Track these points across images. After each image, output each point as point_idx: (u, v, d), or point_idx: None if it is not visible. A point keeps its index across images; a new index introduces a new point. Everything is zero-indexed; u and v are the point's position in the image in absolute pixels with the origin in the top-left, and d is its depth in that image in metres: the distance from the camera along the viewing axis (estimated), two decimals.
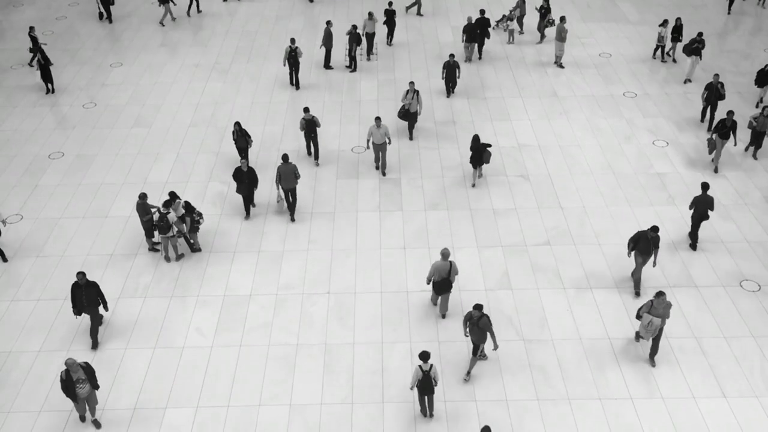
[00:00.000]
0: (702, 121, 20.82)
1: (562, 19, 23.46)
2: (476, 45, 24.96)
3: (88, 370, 12.02)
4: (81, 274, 13.43)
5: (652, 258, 14.79)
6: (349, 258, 16.38)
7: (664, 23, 23.75)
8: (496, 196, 18.25)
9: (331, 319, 14.80)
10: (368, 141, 18.47)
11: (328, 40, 23.81)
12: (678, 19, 23.80)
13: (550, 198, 18.18)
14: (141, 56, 25.56)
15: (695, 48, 22.45)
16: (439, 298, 14.73)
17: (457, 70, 21.93)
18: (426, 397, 12.61)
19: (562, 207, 17.87)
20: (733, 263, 16.04)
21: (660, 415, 12.76)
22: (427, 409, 12.64)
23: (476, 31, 24.10)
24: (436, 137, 20.68)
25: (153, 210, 16.30)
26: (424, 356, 12.06)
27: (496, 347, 12.92)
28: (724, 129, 18.36)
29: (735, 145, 18.52)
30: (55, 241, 17.03)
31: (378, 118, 18.02)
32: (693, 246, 16.39)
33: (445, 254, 14.08)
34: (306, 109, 18.88)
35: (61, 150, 20.42)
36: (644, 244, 14.57)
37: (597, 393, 13.19)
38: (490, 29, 25.17)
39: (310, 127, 19.10)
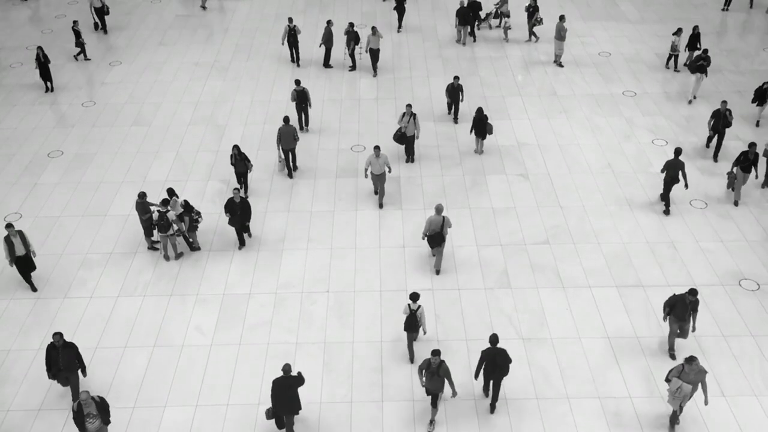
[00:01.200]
0: (708, 146, 19.74)
1: (562, 17, 23.45)
2: (468, 27, 25.94)
3: (102, 406, 11.48)
4: (58, 335, 12.30)
5: (690, 324, 13.39)
6: (348, 256, 16.38)
7: (678, 32, 23.12)
8: (495, 194, 18.26)
9: (330, 318, 14.81)
10: (366, 170, 17.39)
11: (328, 39, 23.82)
12: (695, 28, 23.18)
13: (549, 197, 18.18)
14: (140, 55, 25.55)
15: (700, 65, 21.33)
16: (434, 252, 15.74)
17: (460, 94, 20.73)
18: (412, 336, 13.56)
19: (562, 206, 17.87)
20: (733, 262, 16.05)
21: (659, 414, 12.77)
22: (412, 349, 13.65)
23: (469, 14, 25.26)
24: (436, 136, 20.67)
25: (152, 208, 16.30)
26: (414, 296, 13.29)
27: (455, 394, 12.15)
28: (746, 162, 17.15)
29: (756, 177, 17.70)
30: (55, 239, 17.03)
31: (377, 148, 16.92)
32: (666, 211, 17.44)
33: (438, 209, 15.19)
34: (297, 82, 20.17)
35: (61, 148, 20.41)
36: (681, 309, 13.12)
37: (596, 392, 13.20)
38: (480, 13, 26.47)
39: (301, 97, 20.23)
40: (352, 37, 23.63)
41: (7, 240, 14.77)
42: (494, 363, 12.32)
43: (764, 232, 16.92)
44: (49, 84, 23.15)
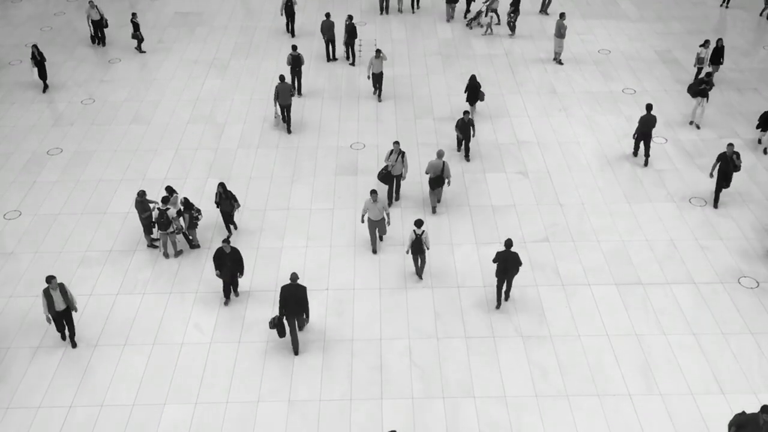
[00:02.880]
0: (716, 205, 17.61)
1: (562, 15, 23.43)
2: (455, 6, 27.06)
3: None
4: None
5: None
6: (347, 254, 16.38)
7: (705, 44, 21.72)
8: (494, 192, 18.25)
9: (329, 315, 14.81)
10: (363, 216, 15.84)
11: (330, 33, 23.95)
12: (719, 41, 21.86)
13: (548, 195, 18.18)
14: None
15: (702, 89, 19.92)
16: (434, 192, 17.29)
17: (471, 129, 18.96)
18: (418, 258, 15.28)
19: (561, 204, 17.87)
20: (732, 260, 16.06)
21: (658, 412, 12.78)
22: (418, 269, 15.37)
23: None
24: (435, 134, 20.66)
25: (152, 206, 16.29)
26: (418, 223, 14.80)
27: None
28: None
29: None
30: (54, 237, 17.02)
31: (374, 192, 15.40)
32: (645, 163, 19.01)
33: (439, 154, 16.79)
34: (294, 47, 21.88)
35: (60, 146, 20.39)
36: (753, 430, 11.19)
37: (595, 389, 13.21)
38: (467, 24, 26.98)
39: (295, 62, 21.98)
40: (348, 30, 23.71)
41: (46, 293, 13.37)
42: (506, 264, 14.28)
43: (764, 230, 16.93)
44: (45, 83, 23.07)
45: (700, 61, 22.07)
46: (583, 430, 12.51)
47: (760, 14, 27.49)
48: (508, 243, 14.22)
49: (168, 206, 15.72)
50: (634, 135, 18.82)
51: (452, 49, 25.44)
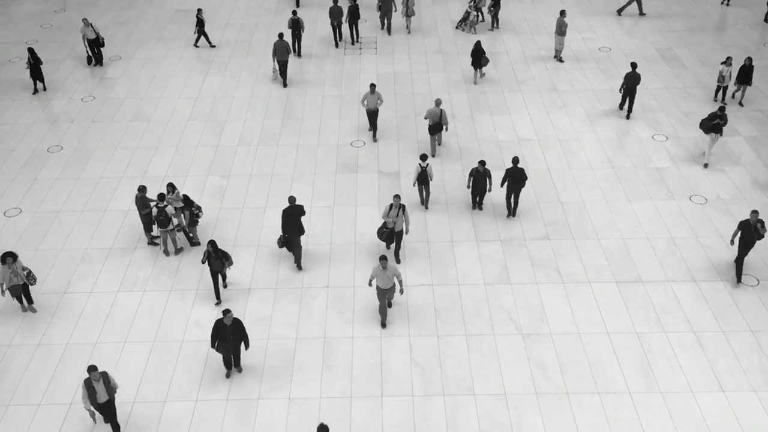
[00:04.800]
0: (739, 280, 15.33)
1: (562, 13, 23.40)
2: None
3: None
4: None
5: None
6: (348, 252, 16.38)
7: (727, 61, 20.82)
8: (495, 190, 18.24)
9: (330, 313, 14.82)
10: (370, 281, 14.05)
11: (338, 17, 24.57)
12: (748, 60, 20.69)
13: (549, 192, 18.17)
14: (140, 50, 25.50)
15: (716, 125, 18.36)
16: (435, 137, 19.13)
17: (487, 180, 16.92)
18: (423, 188, 17.14)
19: (561, 201, 17.87)
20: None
21: (658, 410, 12.79)
22: (423, 200, 17.30)
23: None
24: None
25: (152, 203, 16.29)
26: (423, 157, 16.53)
27: None
28: None
29: None
30: (55, 234, 17.03)
31: (384, 258, 13.68)
32: (627, 116, 20.91)
33: (437, 102, 18.44)
34: (294, 12, 23.96)
35: (60, 143, 20.39)
36: None
37: (595, 387, 13.21)
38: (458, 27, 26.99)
39: (295, 25, 23.92)
40: (351, 11, 24.67)
41: (88, 385, 11.78)
42: (514, 178, 16.26)
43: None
44: (41, 84, 22.95)
45: (721, 79, 21.05)
46: (583, 427, 12.53)
47: (765, 20, 26.90)
48: (515, 160, 16.22)
49: (166, 203, 15.72)
50: (620, 89, 20.59)
51: (453, 47, 25.41)
